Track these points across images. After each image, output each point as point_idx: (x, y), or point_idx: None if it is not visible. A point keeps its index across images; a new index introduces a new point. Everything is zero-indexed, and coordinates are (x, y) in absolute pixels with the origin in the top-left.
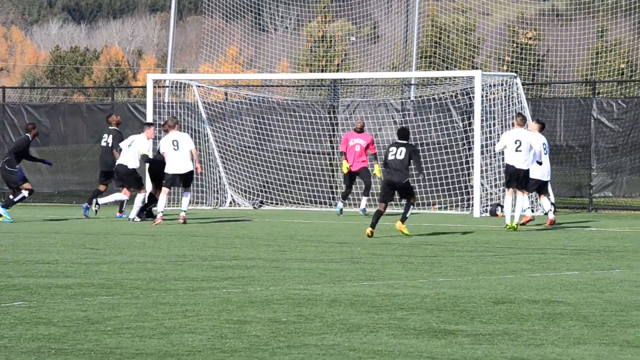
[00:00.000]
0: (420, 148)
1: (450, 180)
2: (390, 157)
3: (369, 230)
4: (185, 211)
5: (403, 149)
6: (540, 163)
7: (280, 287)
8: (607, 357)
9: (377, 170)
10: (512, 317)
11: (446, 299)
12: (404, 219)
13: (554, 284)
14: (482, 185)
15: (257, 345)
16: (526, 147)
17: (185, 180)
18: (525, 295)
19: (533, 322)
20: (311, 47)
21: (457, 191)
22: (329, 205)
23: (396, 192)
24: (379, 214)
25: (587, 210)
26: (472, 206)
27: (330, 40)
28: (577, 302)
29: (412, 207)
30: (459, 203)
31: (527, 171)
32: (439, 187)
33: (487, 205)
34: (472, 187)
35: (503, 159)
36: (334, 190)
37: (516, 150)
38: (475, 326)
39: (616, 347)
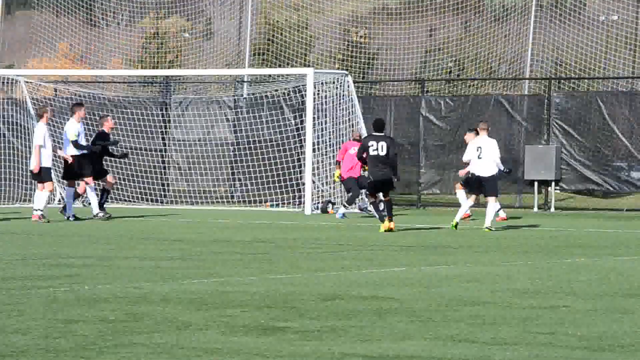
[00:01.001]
0: (252, 146)
1: (282, 178)
2: (372, 152)
3: (388, 224)
4: (39, 209)
5: (384, 144)
6: (507, 171)
7: (109, 285)
8: (432, 352)
9: (336, 175)
10: (340, 314)
11: (276, 296)
12: (391, 217)
13: (383, 280)
14: (313, 182)
15: (84, 344)
16: (487, 153)
17: (34, 176)
18: (354, 292)
19: (361, 318)
20: (144, 43)
21: (289, 188)
22: (161, 202)
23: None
24: (377, 205)
25: (416, 207)
26: (304, 203)
27: (164, 37)
28: (405, 298)
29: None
30: (291, 200)
31: (492, 177)
32: (271, 185)
33: (318, 203)
34: (303, 184)
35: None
36: (166, 187)
37: (478, 157)
38: (304, 323)
39: (441, 341)
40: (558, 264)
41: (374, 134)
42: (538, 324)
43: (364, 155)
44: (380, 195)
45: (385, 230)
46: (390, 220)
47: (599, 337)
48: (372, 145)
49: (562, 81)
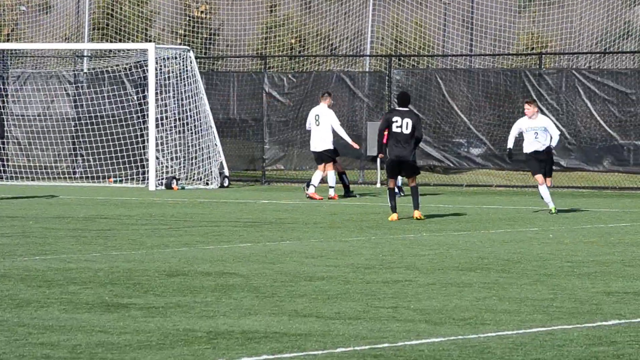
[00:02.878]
0: (94, 121)
1: (125, 154)
2: (396, 129)
3: (394, 216)
4: None
5: (409, 121)
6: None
7: None
8: (276, 327)
9: None
10: (185, 290)
11: (120, 272)
12: (417, 205)
13: (227, 256)
14: (157, 158)
15: None
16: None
17: None
18: (199, 268)
19: (206, 294)
20: None
21: (133, 164)
22: (0, 178)
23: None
24: (393, 193)
25: (260, 183)
26: (148, 179)
27: None
28: (249, 274)
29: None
30: (135, 176)
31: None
32: (114, 160)
33: (162, 179)
34: (147, 160)
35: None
36: (5, 163)
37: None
38: (148, 299)
39: (285, 316)
40: (400, 240)
41: (399, 108)
42: (380, 298)
43: (385, 132)
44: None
45: (416, 218)
46: (417, 208)
47: (439, 310)
48: (397, 122)
49: (402, 58)
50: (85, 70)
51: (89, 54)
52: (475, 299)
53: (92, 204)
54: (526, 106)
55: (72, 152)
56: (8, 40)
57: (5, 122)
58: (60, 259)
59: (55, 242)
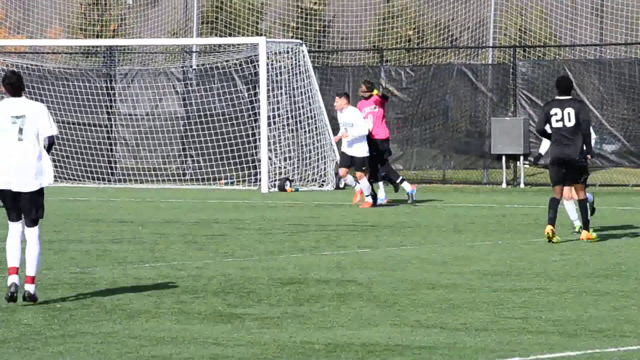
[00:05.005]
0: (204, 120)
1: (237, 154)
2: (556, 124)
3: (549, 228)
4: None
5: (571, 111)
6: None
7: (55, 270)
8: (398, 339)
9: None
10: (301, 299)
11: (233, 280)
12: (587, 224)
13: (345, 263)
14: (270, 158)
15: (29, 334)
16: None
17: None
18: (316, 275)
19: (323, 303)
20: (85, 10)
21: (244, 165)
22: (107, 181)
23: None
24: (555, 204)
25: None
26: (260, 181)
27: (105, 4)
28: (368, 282)
29: (590, 200)
30: (247, 178)
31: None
32: (225, 161)
33: (275, 180)
34: (259, 160)
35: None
36: (113, 165)
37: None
38: (263, 309)
39: (407, 327)
40: (529, 244)
41: (558, 97)
42: (509, 308)
43: (546, 129)
44: (567, 191)
45: (548, 236)
46: (587, 228)
47: (574, 321)
48: (556, 114)
49: (527, 49)
50: (194, 67)
51: (198, 50)
52: (613, 309)
53: (202, 208)
54: None
55: (182, 153)
56: (115, 36)
57: (113, 122)
58: (171, 266)
59: (165, 249)
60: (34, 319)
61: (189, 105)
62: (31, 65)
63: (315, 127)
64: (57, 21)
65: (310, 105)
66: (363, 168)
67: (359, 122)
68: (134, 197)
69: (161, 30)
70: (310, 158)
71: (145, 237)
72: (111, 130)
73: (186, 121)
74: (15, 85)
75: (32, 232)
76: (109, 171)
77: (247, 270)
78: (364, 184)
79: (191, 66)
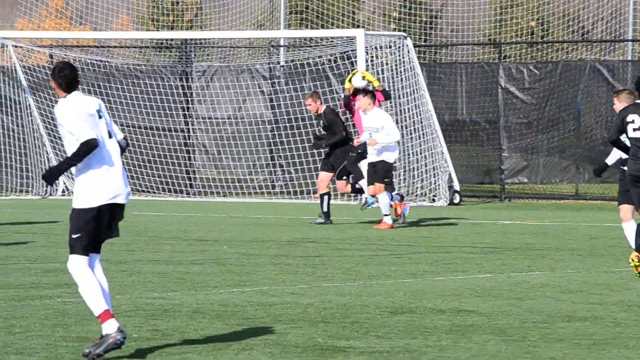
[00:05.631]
0: (294, 124)
1: None
2: (634, 133)
3: (634, 255)
4: None
5: None
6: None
7: (130, 295)
8: None
9: None
10: (414, 331)
11: (333, 308)
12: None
13: (463, 290)
14: None
15: None
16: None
17: None
18: (429, 304)
19: (439, 336)
20: None
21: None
22: (185, 193)
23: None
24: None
25: (499, 200)
26: (361, 195)
27: None
28: (492, 312)
29: None
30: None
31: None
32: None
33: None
34: None
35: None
36: (192, 175)
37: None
38: (369, 341)
39: None
40: None
41: (638, 101)
42: None
43: (622, 138)
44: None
45: (635, 263)
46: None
47: None
48: (633, 122)
49: None
50: (282, 63)
51: (286, 44)
52: None
53: (295, 225)
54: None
55: (270, 162)
56: (191, 28)
57: (191, 126)
58: (262, 292)
59: (254, 271)
60: (115, 352)
61: (277, 107)
62: (96, 60)
63: (424, 133)
64: (124, 10)
65: (417, 107)
66: (385, 180)
67: (387, 125)
68: (217, 212)
69: (244, 22)
70: (418, 169)
71: (230, 257)
72: (189, 136)
73: (274, 125)
74: (72, 79)
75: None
76: (187, 182)
77: (349, 296)
78: (383, 200)
79: (278, 62)
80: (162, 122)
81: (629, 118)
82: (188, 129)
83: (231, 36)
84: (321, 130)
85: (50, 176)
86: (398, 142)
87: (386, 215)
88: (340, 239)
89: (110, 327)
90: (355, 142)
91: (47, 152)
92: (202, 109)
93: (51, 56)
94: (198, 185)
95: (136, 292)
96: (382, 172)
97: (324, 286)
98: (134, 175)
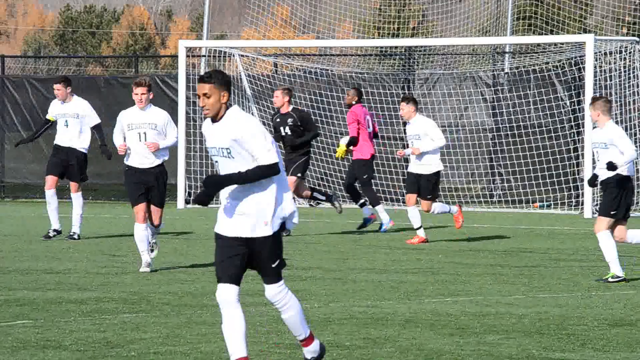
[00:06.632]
0: (516, 132)
1: (554, 172)
2: None
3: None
4: None
5: None
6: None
7: (343, 303)
8: None
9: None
10: (633, 344)
11: (549, 319)
12: None
13: None
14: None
15: None
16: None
17: None
18: None
19: None
20: (380, 6)
21: (564, 185)
22: (397, 201)
23: None
24: None
25: None
26: (583, 204)
27: None
28: None
29: None
30: (566, 200)
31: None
32: (540, 181)
33: (597, 204)
34: (582, 180)
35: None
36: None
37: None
38: (586, 354)
39: None
40: None
41: None
42: None
43: None
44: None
45: None
46: None
47: None
48: None
49: None
50: (506, 70)
51: (512, 50)
52: None
53: (513, 235)
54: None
55: (490, 171)
56: (414, 35)
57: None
58: (475, 302)
59: (468, 281)
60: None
61: (499, 114)
62: (319, 69)
63: None
64: (348, 19)
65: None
66: (429, 196)
67: (431, 131)
68: (435, 221)
69: (468, 28)
70: None
71: (444, 266)
72: (406, 145)
73: (495, 133)
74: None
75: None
76: (399, 191)
77: (566, 308)
78: (414, 213)
79: (503, 69)
80: (380, 130)
81: None
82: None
83: (456, 43)
84: (286, 129)
85: None
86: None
87: (417, 228)
88: (559, 249)
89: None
90: (399, 154)
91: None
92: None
93: (275, 65)
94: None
95: (350, 300)
96: (436, 185)
97: (540, 297)
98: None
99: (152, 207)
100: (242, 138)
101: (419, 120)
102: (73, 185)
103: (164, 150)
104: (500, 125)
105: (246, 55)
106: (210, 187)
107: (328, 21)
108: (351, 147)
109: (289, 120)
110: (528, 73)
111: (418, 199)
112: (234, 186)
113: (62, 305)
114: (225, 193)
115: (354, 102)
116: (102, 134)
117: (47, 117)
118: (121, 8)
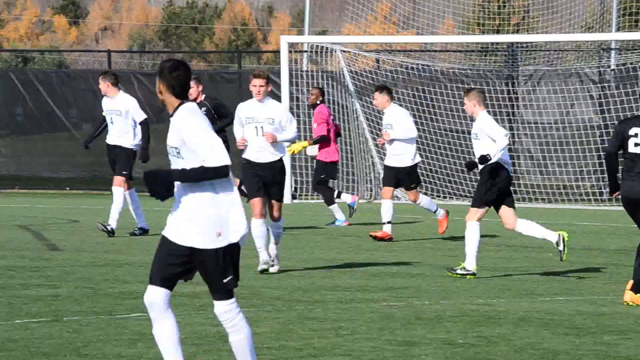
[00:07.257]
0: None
1: None
2: (635, 149)
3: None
4: None
5: None
6: None
7: (454, 301)
8: None
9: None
10: None
11: None
12: (638, 287)
13: None
14: None
15: None
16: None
17: None
18: None
19: None
20: (483, 2)
21: None
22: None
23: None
24: None
25: None
26: None
27: None
28: None
29: None
30: None
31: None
32: None
33: None
34: None
35: None
36: (515, 181)
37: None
38: None
39: None
40: None
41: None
42: None
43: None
44: None
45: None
46: (637, 292)
47: None
48: (637, 135)
49: None
50: (612, 67)
51: (618, 47)
52: None
53: (626, 233)
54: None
55: (598, 169)
56: (517, 32)
57: (516, 131)
58: (590, 301)
59: (581, 280)
60: (433, 355)
61: (607, 112)
62: (421, 65)
63: None
64: (449, 15)
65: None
66: (412, 185)
67: (402, 121)
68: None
69: (572, 24)
70: None
71: (555, 265)
72: (513, 141)
73: (603, 130)
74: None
75: None
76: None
77: None
78: (425, 199)
79: (609, 66)
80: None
81: (632, 132)
82: (513, 133)
83: (560, 39)
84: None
85: None
86: None
87: (387, 223)
88: None
89: None
90: (379, 142)
91: (371, 156)
92: (528, 114)
93: (377, 61)
94: (522, 191)
95: (460, 298)
96: (415, 175)
97: None
98: (452, 179)
99: (273, 201)
100: (186, 137)
101: (392, 110)
102: (115, 178)
103: (281, 145)
104: (609, 122)
105: (348, 51)
106: (149, 182)
107: (430, 17)
108: (317, 146)
109: (202, 109)
110: (635, 70)
111: (405, 192)
112: (188, 188)
113: (175, 298)
114: (177, 194)
115: (318, 102)
116: (146, 132)
117: (103, 113)
118: (223, 4)
